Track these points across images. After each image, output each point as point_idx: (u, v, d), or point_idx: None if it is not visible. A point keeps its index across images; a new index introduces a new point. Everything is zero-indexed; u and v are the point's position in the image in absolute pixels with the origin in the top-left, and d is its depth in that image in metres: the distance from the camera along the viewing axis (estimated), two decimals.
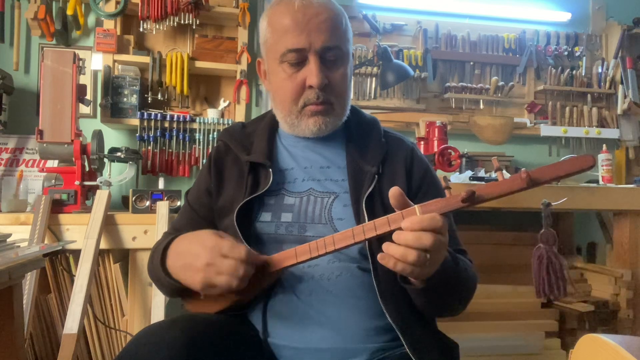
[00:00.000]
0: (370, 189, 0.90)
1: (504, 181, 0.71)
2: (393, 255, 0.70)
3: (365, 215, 0.86)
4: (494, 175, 2.02)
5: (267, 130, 1.04)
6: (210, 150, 2.22)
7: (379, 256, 0.72)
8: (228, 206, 0.96)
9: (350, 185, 0.93)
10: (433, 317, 0.95)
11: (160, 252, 0.89)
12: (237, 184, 0.98)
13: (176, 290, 0.89)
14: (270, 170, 0.95)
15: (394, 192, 0.73)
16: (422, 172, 0.98)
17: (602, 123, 2.69)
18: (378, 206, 0.89)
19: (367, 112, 1.10)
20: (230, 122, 2.27)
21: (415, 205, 0.73)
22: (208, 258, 0.78)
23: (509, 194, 0.71)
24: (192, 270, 0.81)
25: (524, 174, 0.69)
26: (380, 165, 0.95)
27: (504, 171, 0.74)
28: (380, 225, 0.74)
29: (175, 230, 1.01)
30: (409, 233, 0.69)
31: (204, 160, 2.27)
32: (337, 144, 1.00)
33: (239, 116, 2.32)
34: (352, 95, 1.02)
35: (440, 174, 1.91)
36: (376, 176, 0.93)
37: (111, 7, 2.17)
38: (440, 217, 0.70)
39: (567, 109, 2.66)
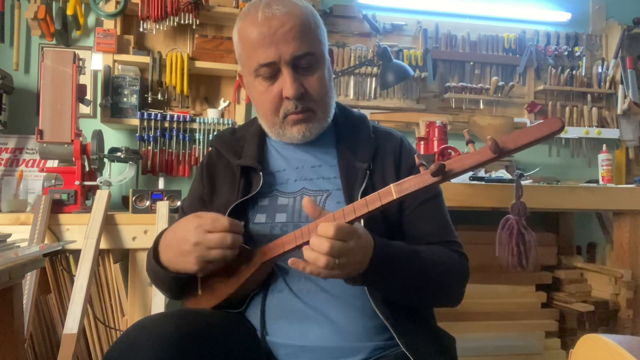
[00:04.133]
0: (363, 186, 0.91)
1: (472, 152, 0.71)
2: (308, 257, 0.73)
3: None
4: (494, 175, 2.02)
5: (257, 134, 1.05)
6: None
7: (289, 261, 0.74)
8: (222, 211, 0.95)
9: (343, 182, 0.94)
10: (423, 311, 0.95)
11: (152, 251, 0.91)
12: (229, 189, 0.99)
13: (177, 286, 0.90)
14: (261, 173, 0.96)
15: (304, 204, 0.77)
16: (411, 163, 0.99)
17: (602, 123, 2.69)
18: None
19: (367, 112, 1.11)
20: (230, 122, 2.27)
21: (391, 185, 0.74)
22: (194, 238, 0.80)
23: (479, 165, 0.71)
24: (184, 255, 0.82)
25: (490, 141, 0.67)
26: (371, 161, 0.96)
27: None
28: (359, 208, 0.76)
29: None
30: (315, 239, 0.72)
31: None
32: (327, 143, 1.01)
33: (239, 116, 2.32)
34: (335, 95, 1.02)
35: None
36: (368, 172, 0.94)
37: (111, 7, 2.17)
38: (334, 226, 0.71)
39: (567, 109, 2.66)
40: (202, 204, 1.02)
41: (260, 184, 0.94)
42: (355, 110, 1.10)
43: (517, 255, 1.49)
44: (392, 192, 0.73)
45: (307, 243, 0.79)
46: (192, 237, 0.80)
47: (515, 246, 1.49)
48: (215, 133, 2.26)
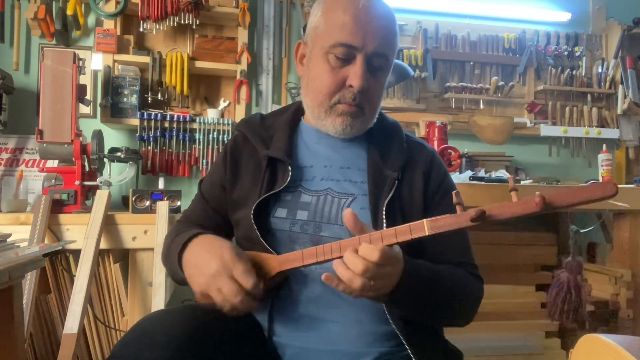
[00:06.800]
0: (390, 195, 0.89)
1: (516, 202, 0.68)
2: (342, 276, 0.71)
3: (384, 221, 0.85)
4: (494, 175, 2.02)
5: (288, 125, 1.02)
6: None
7: (323, 276, 0.72)
8: (243, 200, 0.95)
9: (370, 189, 0.92)
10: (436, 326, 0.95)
11: (185, 240, 0.88)
12: (253, 178, 0.97)
13: (183, 281, 0.89)
14: (289, 167, 0.93)
15: (346, 215, 0.73)
16: (439, 181, 0.97)
17: (602, 123, 2.70)
18: (397, 213, 0.88)
19: (395, 119, 1.09)
20: (230, 122, 2.27)
21: (424, 220, 0.72)
22: (215, 271, 0.78)
23: (521, 216, 0.68)
24: (199, 274, 0.81)
25: (538, 198, 0.65)
26: (401, 171, 0.94)
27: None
28: (387, 236, 0.73)
29: (187, 219, 1.01)
30: (352, 258, 0.70)
31: (204, 161, 2.27)
32: (358, 145, 0.99)
33: (239, 116, 2.32)
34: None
35: None
36: (396, 181, 0.92)
37: (111, 7, 2.17)
38: (378, 250, 0.69)
39: (567, 109, 2.67)
40: (223, 190, 1.00)
41: (288, 180, 0.92)
42: (389, 116, 1.08)
43: (559, 311, 1.44)
44: (425, 228, 0.71)
45: (327, 261, 0.78)
46: (215, 268, 0.78)
47: (561, 304, 1.45)
48: (215, 133, 2.26)
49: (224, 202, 1.00)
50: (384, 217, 0.85)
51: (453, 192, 0.72)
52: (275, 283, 0.87)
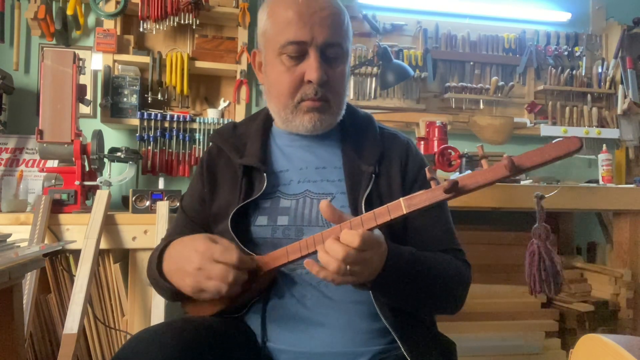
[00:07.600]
0: (368, 190, 0.89)
1: (486, 170, 0.68)
2: (321, 260, 0.71)
3: None
4: None
5: (260, 131, 1.02)
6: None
7: (305, 262, 0.73)
8: (223, 211, 0.94)
9: (348, 186, 0.91)
10: (428, 317, 0.95)
11: (157, 256, 0.89)
12: (231, 188, 0.96)
13: (174, 294, 0.89)
14: (265, 174, 0.93)
15: (322, 207, 0.73)
16: (416, 168, 0.97)
17: (602, 123, 2.69)
18: (377, 207, 0.89)
19: (367, 111, 1.09)
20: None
21: (401, 199, 0.72)
22: (199, 262, 0.78)
23: (493, 183, 0.68)
24: (184, 274, 0.80)
25: (506, 160, 0.65)
26: (377, 164, 0.94)
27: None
28: (367, 220, 0.73)
29: (170, 237, 0.99)
30: (331, 244, 0.70)
31: None
32: (332, 143, 0.99)
33: (239, 116, 2.32)
34: (348, 95, 0.99)
35: (440, 174, 1.92)
36: (373, 176, 0.92)
37: (111, 7, 2.17)
38: (359, 235, 0.69)
39: (567, 109, 2.66)
40: (202, 203, 1.00)
41: (264, 187, 0.92)
42: (361, 110, 1.07)
43: (539, 281, 1.43)
44: (402, 206, 0.71)
45: (312, 254, 0.77)
46: (196, 260, 0.78)
47: (537, 272, 1.43)
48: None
49: (205, 216, 0.99)
50: (363, 213, 0.85)
51: (426, 168, 0.72)
52: (265, 283, 0.87)
